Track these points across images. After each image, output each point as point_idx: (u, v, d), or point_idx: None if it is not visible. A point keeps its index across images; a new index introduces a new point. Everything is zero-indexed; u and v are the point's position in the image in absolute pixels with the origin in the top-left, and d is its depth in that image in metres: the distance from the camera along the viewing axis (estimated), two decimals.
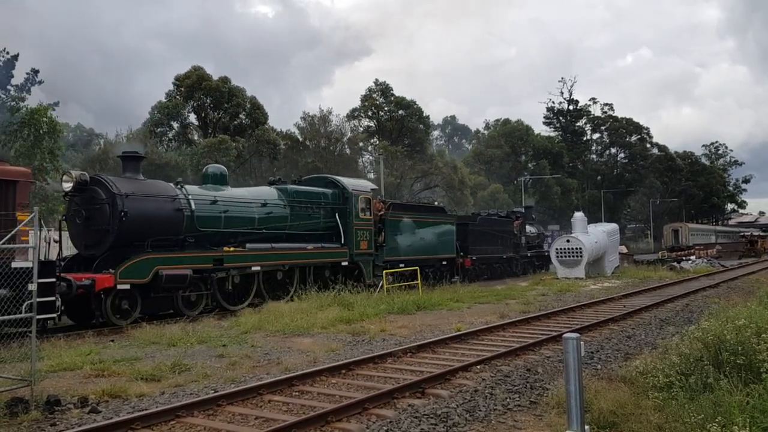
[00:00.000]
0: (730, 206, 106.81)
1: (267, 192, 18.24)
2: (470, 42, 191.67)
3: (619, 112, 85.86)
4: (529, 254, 33.67)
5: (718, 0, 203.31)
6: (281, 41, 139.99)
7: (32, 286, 7.14)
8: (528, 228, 34.45)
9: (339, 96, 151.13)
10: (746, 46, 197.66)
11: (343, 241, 19.30)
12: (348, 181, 20.71)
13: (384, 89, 53.73)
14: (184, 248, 14.94)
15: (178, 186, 15.52)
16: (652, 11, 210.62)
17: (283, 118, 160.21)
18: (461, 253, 25.77)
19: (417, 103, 54.25)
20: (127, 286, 13.19)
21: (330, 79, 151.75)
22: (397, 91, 54.19)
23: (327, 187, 20.05)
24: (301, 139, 53.83)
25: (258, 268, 16.43)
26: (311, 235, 18.73)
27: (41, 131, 26.43)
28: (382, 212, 21.17)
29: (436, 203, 28.48)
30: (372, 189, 21.24)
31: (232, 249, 15.93)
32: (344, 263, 19.19)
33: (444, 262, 24.23)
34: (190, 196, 15.36)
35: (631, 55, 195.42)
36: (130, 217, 13.72)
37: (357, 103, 55.23)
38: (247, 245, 16.44)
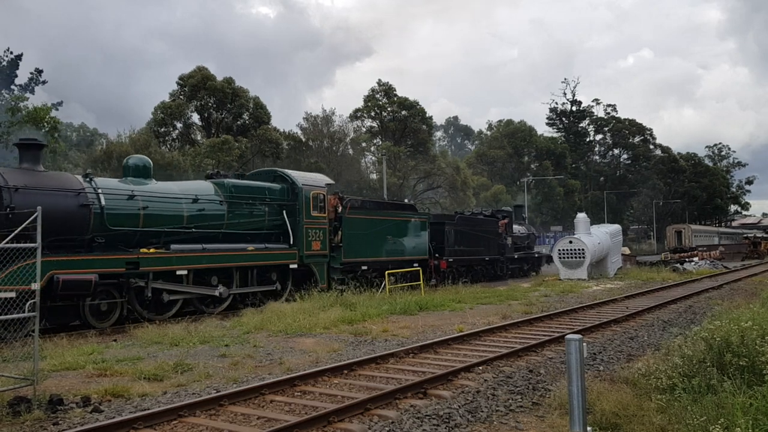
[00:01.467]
0: (733, 208, 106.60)
1: (201, 186, 16.37)
2: (471, 43, 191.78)
3: (621, 113, 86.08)
4: (516, 256, 31.62)
5: (719, 1, 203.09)
6: (282, 42, 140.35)
7: (35, 286, 7.16)
8: (517, 228, 32.78)
9: (340, 96, 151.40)
10: (747, 47, 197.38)
11: (292, 242, 17.51)
12: (298, 175, 18.82)
13: (387, 90, 53.73)
14: (91, 250, 13.21)
15: (87, 179, 13.63)
16: (654, 12, 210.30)
17: (284, 119, 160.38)
18: (437, 255, 24.02)
19: (420, 103, 54.29)
20: (12, 294, 11.29)
21: (331, 79, 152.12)
22: (398, 92, 54.21)
23: (275, 182, 18.23)
24: (303, 139, 53.92)
25: (184, 272, 14.56)
26: (255, 234, 17.01)
27: (42, 131, 26.50)
28: (339, 209, 19.44)
29: (406, 201, 25.87)
30: (327, 184, 19.40)
31: (152, 250, 14.10)
32: (293, 266, 17.38)
33: (415, 264, 22.09)
34: (99, 190, 13.49)
35: (632, 56, 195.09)
36: (19, 213, 11.64)
37: (358, 104, 55.33)
38: (172, 246, 14.61)
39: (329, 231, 18.69)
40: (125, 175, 15.09)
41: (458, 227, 26.11)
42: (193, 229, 15.32)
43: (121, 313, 13.63)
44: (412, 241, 22.40)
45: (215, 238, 15.90)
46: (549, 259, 36.32)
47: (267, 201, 17.42)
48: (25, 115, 26.92)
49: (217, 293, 15.22)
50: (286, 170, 19.53)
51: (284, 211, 17.64)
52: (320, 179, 19.48)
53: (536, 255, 34.92)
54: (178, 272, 14.48)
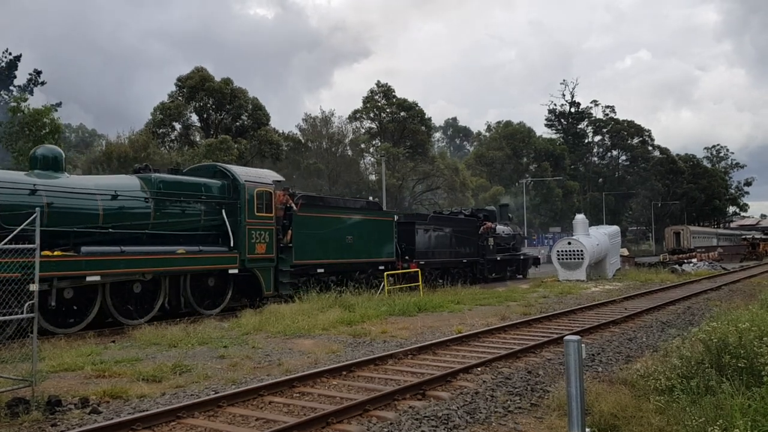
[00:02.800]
0: (731, 209, 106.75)
1: (123, 181, 14.62)
2: (469, 44, 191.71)
3: (619, 115, 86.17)
4: (498, 258, 29.68)
5: (716, 3, 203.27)
6: (280, 43, 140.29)
7: (33, 287, 7.15)
8: (501, 228, 30.90)
9: (338, 97, 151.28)
10: (743, 49, 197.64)
11: (232, 244, 15.75)
12: (241, 171, 17.02)
13: (386, 91, 53.77)
14: None
15: None
16: (652, 14, 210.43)
17: (281, 120, 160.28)
18: (406, 257, 22.37)
19: (418, 104, 54.32)
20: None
21: (329, 80, 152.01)
22: (396, 94, 54.20)
23: (215, 178, 16.48)
24: (303, 141, 53.95)
25: (97, 278, 12.74)
26: (189, 236, 15.31)
27: (43, 132, 26.48)
28: (289, 206, 17.66)
29: (370, 198, 23.06)
30: (276, 180, 17.61)
31: (56, 253, 12.30)
32: (233, 271, 15.66)
33: (381, 267, 20.59)
34: None
35: (630, 58, 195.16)
36: None
37: (355, 105, 55.48)
38: (83, 248, 12.84)
39: (278, 231, 16.97)
40: (32, 168, 13.47)
41: (431, 227, 24.48)
42: (110, 229, 13.54)
43: (20, 325, 11.93)
44: (376, 241, 20.67)
45: (138, 239, 14.20)
46: (536, 261, 34.79)
47: (203, 198, 15.65)
48: (26, 115, 26.89)
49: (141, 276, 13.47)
50: (228, 165, 17.73)
51: (224, 210, 15.87)
52: (267, 175, 17.72)
53: (521, 257, 32.76)
54: (89, 278, 12.63)
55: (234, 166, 18.33)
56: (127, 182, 14.69)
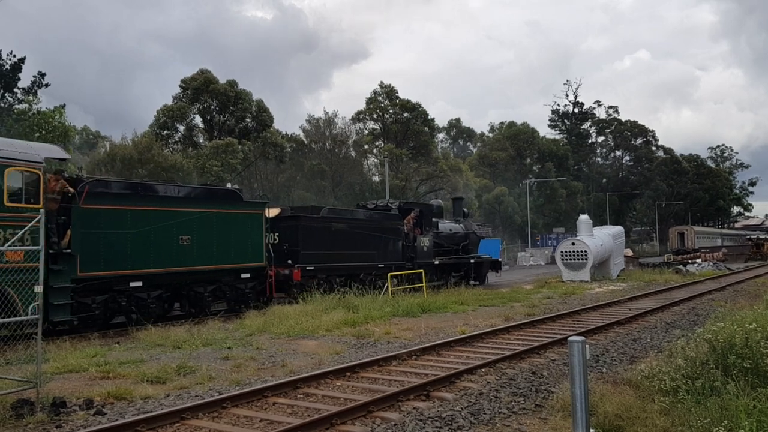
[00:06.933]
0: (736, 209, 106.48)
1: None
2: (467, 45, 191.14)
3: (621, 115, 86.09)
4: (437, 262, 24.00)
5: (711, 4, 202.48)
6: (278, 45, 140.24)
7: (38, 288, 7.17)
8: (448, 226, 26.11)
9: (337, 98, 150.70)
10: (740, 50, 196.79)
11: None
12: None
13: (389, 92, 53.77)
14: None
15: None
16: (650, 14, 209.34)
17: (280, 121, 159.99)
18: (289, 261, 17.89)
19: (422, 105, 54.32)
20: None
21: (328, 81, 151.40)
22: (398, 95, 54.12)
23: None
24: (306, 142, 54.01)
25: None
26: None
27: (51, 134, 26.54)
28: (70, 195, 12.53)
29: (229, 185, 18.17)
30: (53, 158, 12.80)
31: None
32: None
33: (245, 275, 16.35)
34: None
35: (629, 58, 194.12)
36: None
37: (354, 106, 55.59)
38: None
39: (51, 232, 11.78)
40: None
41: (326, 224, 19.40)
42: None
43: None
44: (234, 242, 15.95)
45: None
46: (495, 266, 28.89)
47: None
48: (37, 116, 26.95)
49: None
50: None
51: None
52: (33, 150, 12.11)
53: (471, 261, 26.30)
54: None
55: None
56: None
